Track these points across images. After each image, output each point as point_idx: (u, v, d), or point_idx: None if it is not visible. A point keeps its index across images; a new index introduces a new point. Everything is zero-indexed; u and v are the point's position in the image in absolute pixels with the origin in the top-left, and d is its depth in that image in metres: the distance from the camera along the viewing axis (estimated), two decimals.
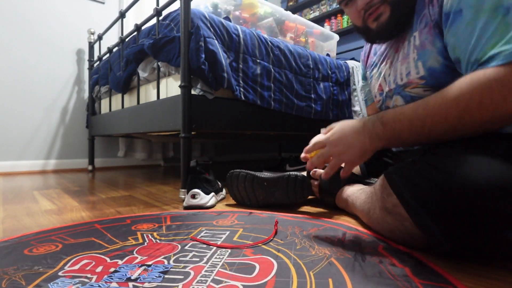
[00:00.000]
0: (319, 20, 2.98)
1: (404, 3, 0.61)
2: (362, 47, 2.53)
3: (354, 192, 0.72)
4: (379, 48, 0.80)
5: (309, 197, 0.95)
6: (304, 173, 0.90)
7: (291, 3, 3.30)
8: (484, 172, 0.41)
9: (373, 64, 0.82)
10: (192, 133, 1.02)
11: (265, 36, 1.29)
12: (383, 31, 0.64)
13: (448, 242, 0.44)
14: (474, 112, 0.45)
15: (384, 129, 0.54)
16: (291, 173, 0.81)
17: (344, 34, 2.74)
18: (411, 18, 0.63)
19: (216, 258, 0.47)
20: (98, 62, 1.90)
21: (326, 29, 2.48)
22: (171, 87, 1.19)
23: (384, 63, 0.76)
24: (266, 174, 0.84)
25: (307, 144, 0.66)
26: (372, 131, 0.55)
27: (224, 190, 1.01)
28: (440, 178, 0.44)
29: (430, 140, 0.52)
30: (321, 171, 0.86)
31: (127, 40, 1.50)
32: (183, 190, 0.96)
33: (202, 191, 0.85)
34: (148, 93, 1.36)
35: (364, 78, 0.95)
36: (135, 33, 1.38)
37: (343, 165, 0.82)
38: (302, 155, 0.65)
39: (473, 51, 0.48)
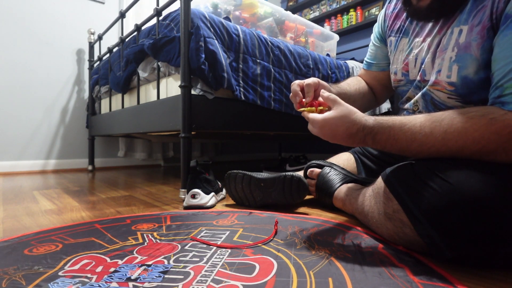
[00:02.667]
0: (319, 20, 2.98)
1: None
2: (362, 47, 2.53)
3: (352, 192, 0.72)
4: None
5: (308, 196, 0.95)
6: (301, 173, 0.90)
7: (291, 3, 3.30)
8: (489, 185, 0.41)
9: (402, 31, 0.68)
10: (192, 133, 1.02)
11: (265, 36, 1.29)
12: (420, 14, 0.57)
13: (449, 251, 0.43)
14: (476, 153, 0.43)
15: (373, 145, 0.53)
16: (287, 173, 0.81)
17: (344, 34, 2.74)
18: (462, 5, 0.53)
19: (216, 258, 0.47)
20: (98, 62, 1.90)
21: (326, 29, 2.48)
22: (171, 87, 1.19)
23: (420, 38, 0.63)
24: (262, 175, 0.84)
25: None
26: (362, 140, 0.53)
27: (224, 190, 1.01)
28: (445, 188, 0.42)
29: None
30: (318, 170, 0.86)
31: (127, 40, 1.50)
32: (183, 190, 0.96)
33: (202, 191, 0.85)
34: (148, 93, 1.36)
35: (381, 39, 0.79)
36: (135, 33, 1.38)
37: (336, 161, 0.82)
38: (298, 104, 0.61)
39: (506, 74, 0.42)
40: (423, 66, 0.62)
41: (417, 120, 0.49)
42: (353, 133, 0.52)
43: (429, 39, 0.61)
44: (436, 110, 0.58)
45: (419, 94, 0.64)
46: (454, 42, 0.53)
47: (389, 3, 0.76)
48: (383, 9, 0.78)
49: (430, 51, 0.60)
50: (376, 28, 0.81)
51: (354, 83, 0.83)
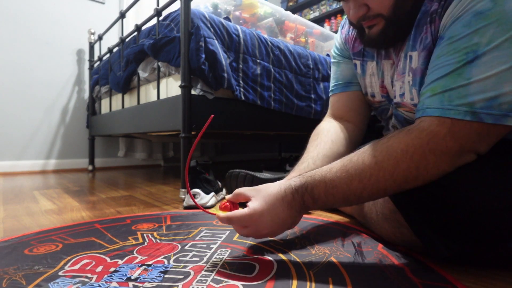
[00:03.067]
0: (319, 20, 2.98)
1: (401, 21, 0.51)
2: None
3: None
4: None
5: None
6: None
7: (291, 3, 3.30)
8: (483, 184, 0.41)
9: (365, 54, 0.65)
10: (192, 133, 1.02)
11: (265, 36, 1.29)
12: (374, 41, 0.56)
13: (446, 250, 0.43)
14: (412, 182, 0.42)
15: (315, 204, 0.46)
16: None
17: None
18: (409, 33, 0.53)
19: (216, 258, 0.47)
20: (98, 62, 1.90)
21: (326, 29, 2.48)
22: (171, 87, 1.19)
23: (389, 60, 0.60)
24: (265, 175, 0.84)
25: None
26: (302, 204, 0.46)
27: (224, 190, 1.01)
28: (439, 191, 0.43)
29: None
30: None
31: (127, 40, 1.50)
32: (183, 190, 0.96)
33: (202, 191, 0.86)
34: (148, 93, 1.36)
35: (344, 55, 0.71)
36: (135, 33, 1.38)
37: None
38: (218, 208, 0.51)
39: (424, 87, 0.43)
40: (394, 86, 0.60)
41: (344, 159, 0.46)
42: (289, 201, 0.45)
43: (396, 59, 0.59)
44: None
45: (393, 116, 0.63)
46: (408, 67, 0.54)
47: (342, 28, 0.72)
48: (338, 33, 0.74)
49: (399, 72, 0.58)
50: (335, 49, 0.74)
51: (321, 153, 0.64)
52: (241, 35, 1.18)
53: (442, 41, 0.43)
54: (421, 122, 0.43)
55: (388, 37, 0.53)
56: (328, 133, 0.68)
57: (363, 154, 0.44)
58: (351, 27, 0.67)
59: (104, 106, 1.88)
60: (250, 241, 0.55)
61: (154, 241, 0.56)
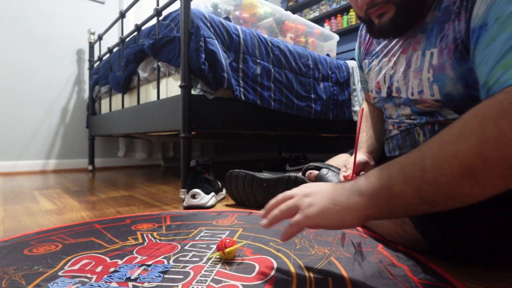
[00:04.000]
0: (319, 20, 2.98)
1: (412, 6, 0.53)
2: None
3: None
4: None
5: None
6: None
7: (291, 3, 3.30)
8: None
9: (374, 54, 0.73)
10: (192, 133, 1.02)
11: (265, 36, 1.29)
12: (385, 30, 0.57)
13: (450, 247, 0.43)
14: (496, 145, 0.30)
15: (369, 179, 0.38)
16: (291, 174, 0.81)
17: (344, 34, 2.74)
18: (420, 19, 0.55)
19: (216, 258, 0.47)
20: (98, 62, 1.90)
21: (326, 29, 2.48)
22: (171, 87, 1.19)
23: (386, 58, 0.67)
24: (265, 175, 0.84)
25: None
26: (355, 186, 0.38)
27: (224, 190, 1.01)
28: None
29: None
30: (316, 172, 0.86)
31: (127, 40, 1.50)
32: (183, 190, 0.96)
33: (202, 191, 0.86)
34: (148, 93, 1.36)
35: (360, 67, 0.83)
36: (135, 33, 1.38)
37: (335, 162, 0.76)
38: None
39: (487, 69, 0.38)
40: (396, 83, 0.65)
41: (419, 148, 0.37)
42: (344, 184, 0.39)
43: (394, 59, 0.64)
44: (431, 115, 0.60)
45: (408, 107, 0.64)
46: (428, 64, 0.55)
47: (361, 31, 0.81)
48: (358, 38, 0.83)
49: (401, 70, 0.62)
50: (355, 54, 0.86)
51: (373, 128, 0.82)
52: (241, 35, 1.18)
53: (488, 26, 0.40)
54: (503, 93, 0.33)
55: (399, 24, 0.54)
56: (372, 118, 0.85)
57: (439, 134, 0.35)
58: (364, 26, 0.75)
59: (104, 106, 1.88)
60: (250, 241, 0.55)
61: (154, 241, 0.56)
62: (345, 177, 0.69)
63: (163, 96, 1.22)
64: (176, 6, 1.18)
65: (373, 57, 0.73)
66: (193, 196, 0.85)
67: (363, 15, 0.57)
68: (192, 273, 0.42)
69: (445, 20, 0.50)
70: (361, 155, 0.75)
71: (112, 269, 0.44)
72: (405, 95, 0.63)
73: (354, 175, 0.68)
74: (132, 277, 0.41)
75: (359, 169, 0.72)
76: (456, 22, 0.48)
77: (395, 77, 0.64)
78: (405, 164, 0.35)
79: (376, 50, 0.73)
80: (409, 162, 0.35)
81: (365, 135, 0.82)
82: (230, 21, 1.28)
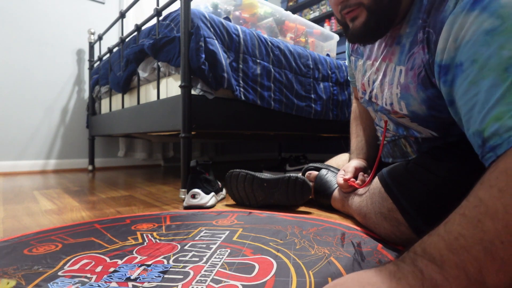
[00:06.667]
0: (319, 20, 2.98)
1: (383, 12, 0.51)
2: None
3: (349, 194, 0.72)
4: None
5: None
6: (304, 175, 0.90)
7: (291, 3, 3.30)
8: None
9: (360, 54, 0.72)
10: (192, 133, 1.02)
11: (265, 36, 1.29)
12: (358, 35, 0.55)
13: None
14: None
15: (442, 267, 0.30)
16: (291, 175, 0.81)
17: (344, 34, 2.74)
18: (394, 26, 0.55)
19: (215, 257, 0.47)
20: (98, 62, 1.90)
21: (326, 29, 2.48)
22: (171, 87, 1.19)
23: (370, 61, 0.66)
24: (266, 175, 0.84)
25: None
26: (418, 273, 0.30)
27: (224, 190, 1.01)
28: (432, 182, 0.43)
29: None
30: (316, 172, 0.86)
31: (127, 40, 1.50)
32: (183, 190, 0.96)
33: (202, 191, 0.86)
34: (148, 93, 1.36)
35: (350, 61, 0.82)
36: (135, 33, 1.38)
37: (335, 162, 0.77)
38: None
39: (477, 118, 0.37)
40: (375, 90, 0.65)
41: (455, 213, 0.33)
42: (392, 271, 0.31)
43: (376, 64, 0.63)
44: (406, 130, 0.62)
45: (385, 116, 0.66)
46: (397, 80, 0.55)
47: None
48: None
49: (379, 78, 0.62)
50: (346, 49, 0.85)
51: (365, 133, 0.83)
52: (241, 35, 1.18)
53: (463, 67, 0.39)
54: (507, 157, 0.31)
55: (371, 30, 0.53)
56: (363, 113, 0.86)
57: (473, 192, 0.33)
58: None
59: (104, 106, 1.88)
60: (249, 241, 0.55)
61: (154, 241, 0.56)
62: (344, 180, 0.70)
63: (163, 96, 1.22)
64: (176, 6, 1.19)
65: (359, 57, 0.73)
66: (193, 196, 0.85)
67: (339, 17, 0.57)
68: (192, 273, 0.42)
69: (414, 42, 0.50)
70: (359, 161, 0.77)
71: (112, 269, 0.44)
72: (381, 103, 0.64)
73: (354, 180, 0.70)
74: (132, 277, 0.41)
75: (357, 173, 0.73)
76: (421, 50, 0.48)
77: (376, 83, 0.64)
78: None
79: (361, 50, 0.72)
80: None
81: (359, 140, 0.83)
82: (230, 21, 1.28)
